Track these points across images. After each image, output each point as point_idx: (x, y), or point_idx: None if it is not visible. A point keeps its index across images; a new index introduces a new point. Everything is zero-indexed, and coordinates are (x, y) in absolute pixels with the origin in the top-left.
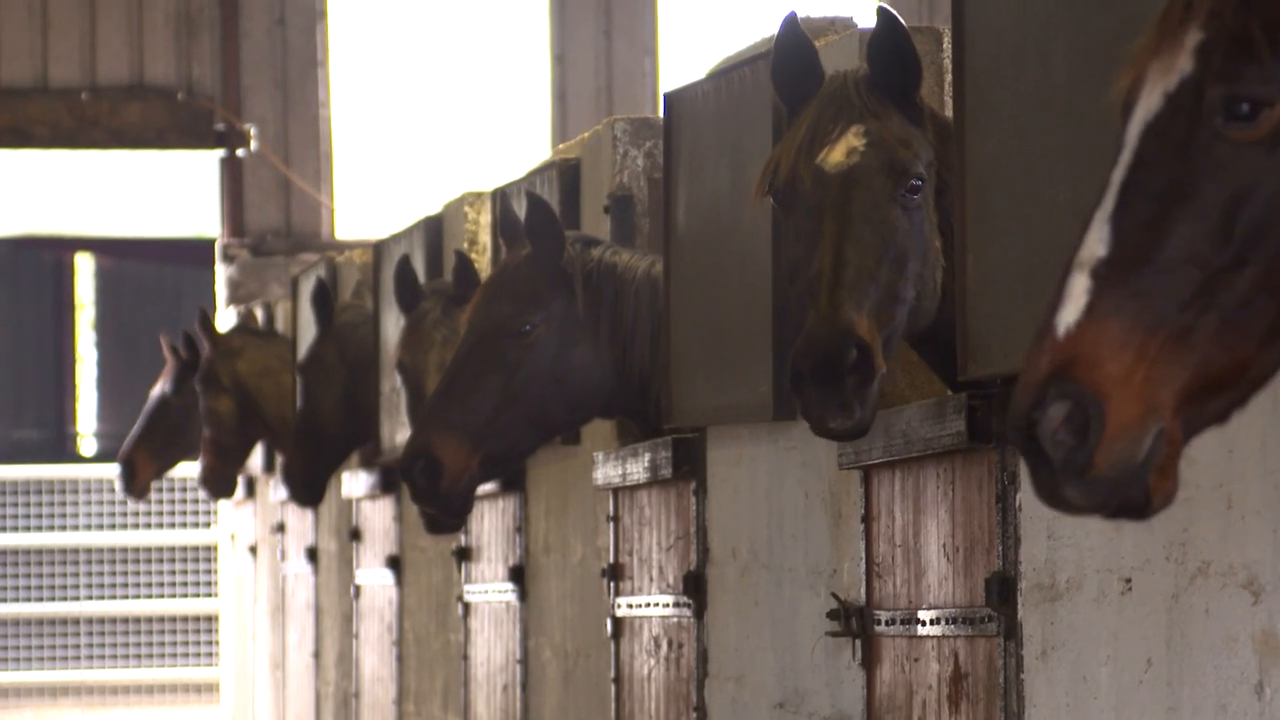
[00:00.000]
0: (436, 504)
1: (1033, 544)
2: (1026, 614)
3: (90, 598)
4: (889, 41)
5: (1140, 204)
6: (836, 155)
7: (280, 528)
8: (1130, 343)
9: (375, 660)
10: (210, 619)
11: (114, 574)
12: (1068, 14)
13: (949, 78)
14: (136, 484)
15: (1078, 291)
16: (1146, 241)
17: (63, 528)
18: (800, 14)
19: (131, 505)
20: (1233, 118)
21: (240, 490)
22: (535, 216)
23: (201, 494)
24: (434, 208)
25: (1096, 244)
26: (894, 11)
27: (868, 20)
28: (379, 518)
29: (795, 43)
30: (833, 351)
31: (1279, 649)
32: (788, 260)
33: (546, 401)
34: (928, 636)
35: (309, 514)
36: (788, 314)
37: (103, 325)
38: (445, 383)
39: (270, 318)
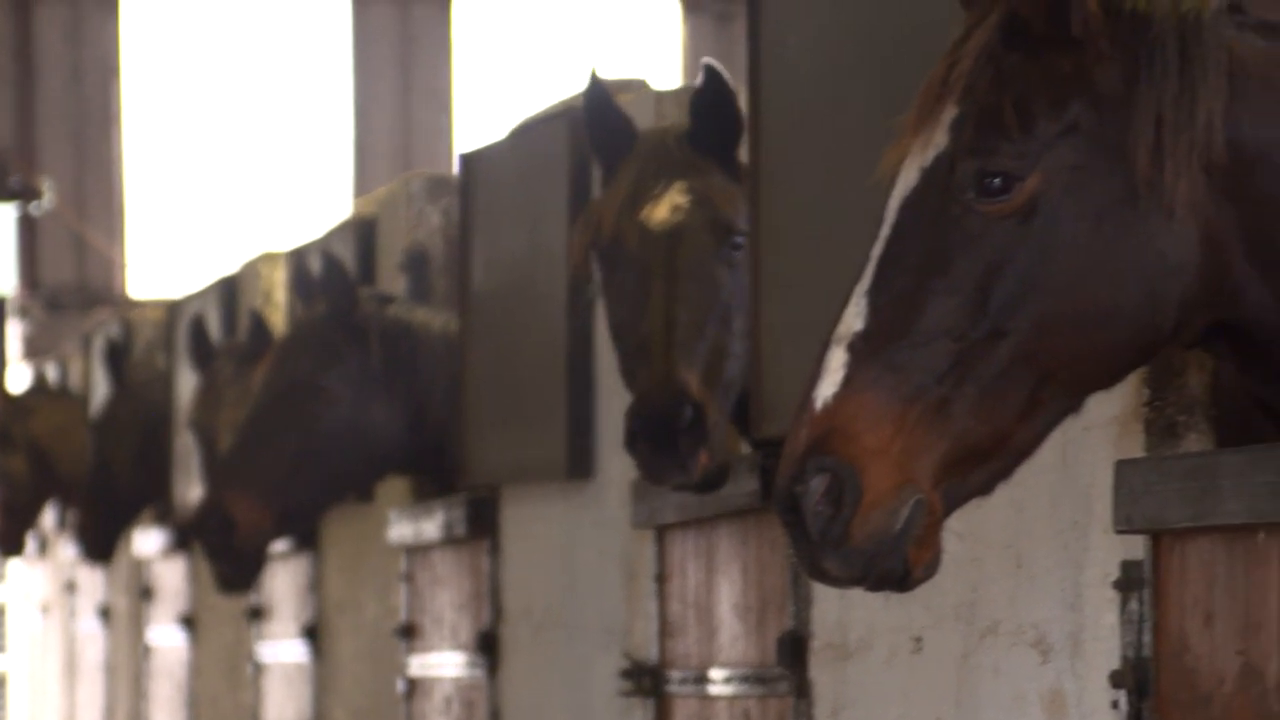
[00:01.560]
0: (230, 561)
1: (824, 603)
2: (817, 673)
3: None
4: (714, 98)
5: (896, 278)
6: (661, 212)
7: (71, 586)
8: (887, 415)
9: None
10: (0, 679)
11: None
12: (862, 74)
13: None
14: None
15: (835, 365)
16: (902, 315)
17: None
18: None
19: None
20: (984, 191)
21: (31, 548)
22: (328, 274)
23: None
24: (231, 266)
25: (854, 318)
26: (721, 68)
27: (661, 82)
28: (171, 576)
29: (601, 102)
30: (668, 413)
31: (1066, 708)
32: (612, 318)
33: (341, 457)
34: (719, 696)
35: (100, 572)
36: (582, 373)
37: None
38: (240, 439)
39: (64, 374)
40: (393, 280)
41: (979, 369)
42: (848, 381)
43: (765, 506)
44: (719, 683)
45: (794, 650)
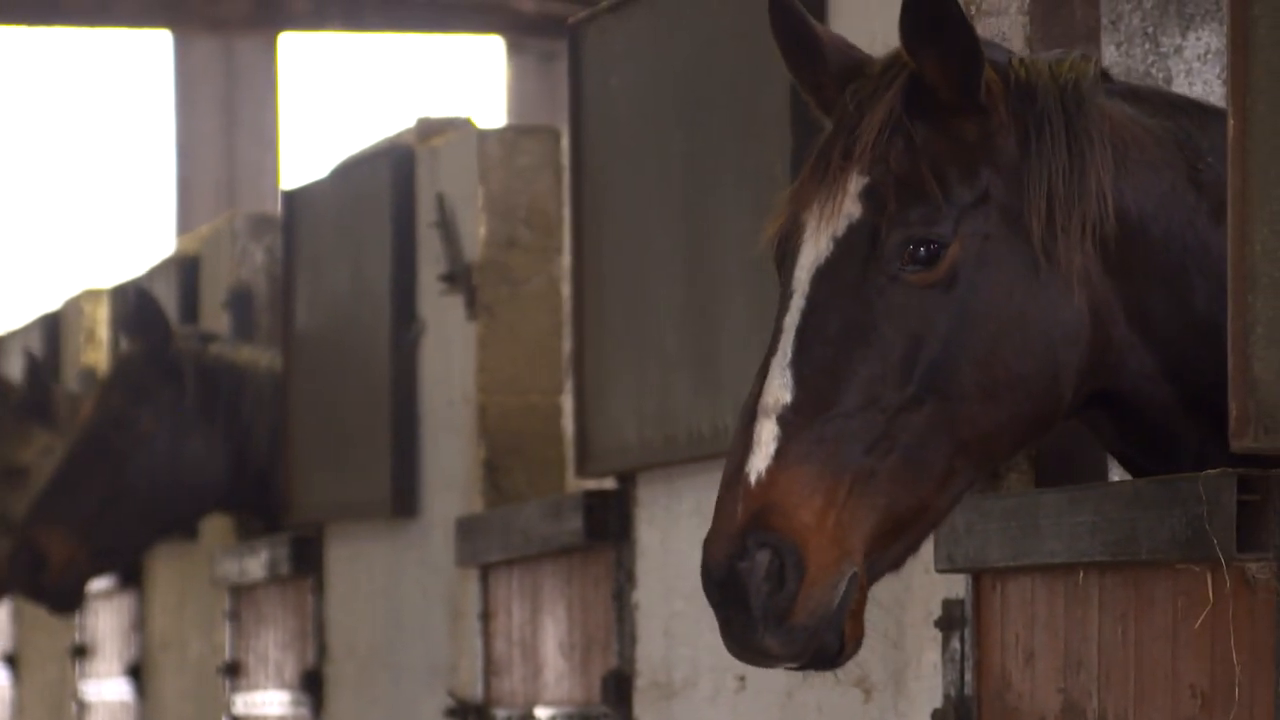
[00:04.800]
0: (41, 598)
1: (649, 642)
2: (642, 711)
3: None
4: None
5: (818, 349)
6: None
7: None
8: (820, 488)
9: None
10: None
11: None
12: (683, 119)
13: (566, 177)
14: None
15: (766, 438)
16: (829, 386)
17: None
18: (420, 115)
19: None
20: (911, 260)
21: None
22: (140, 310)
23: None
24: (53, 303)
25: (780, 390)
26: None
27: (485, 121)
28: None
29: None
30: None
31: None
32: None
33: (158, 494)
34: None
35: None
36: (406, 411)
37: None
38: (55, 475)
39: None
40: (216, 318)
41: (904, 439)
42: (779, 455)
43: (590, 545)
44: None
45: (619, 688)
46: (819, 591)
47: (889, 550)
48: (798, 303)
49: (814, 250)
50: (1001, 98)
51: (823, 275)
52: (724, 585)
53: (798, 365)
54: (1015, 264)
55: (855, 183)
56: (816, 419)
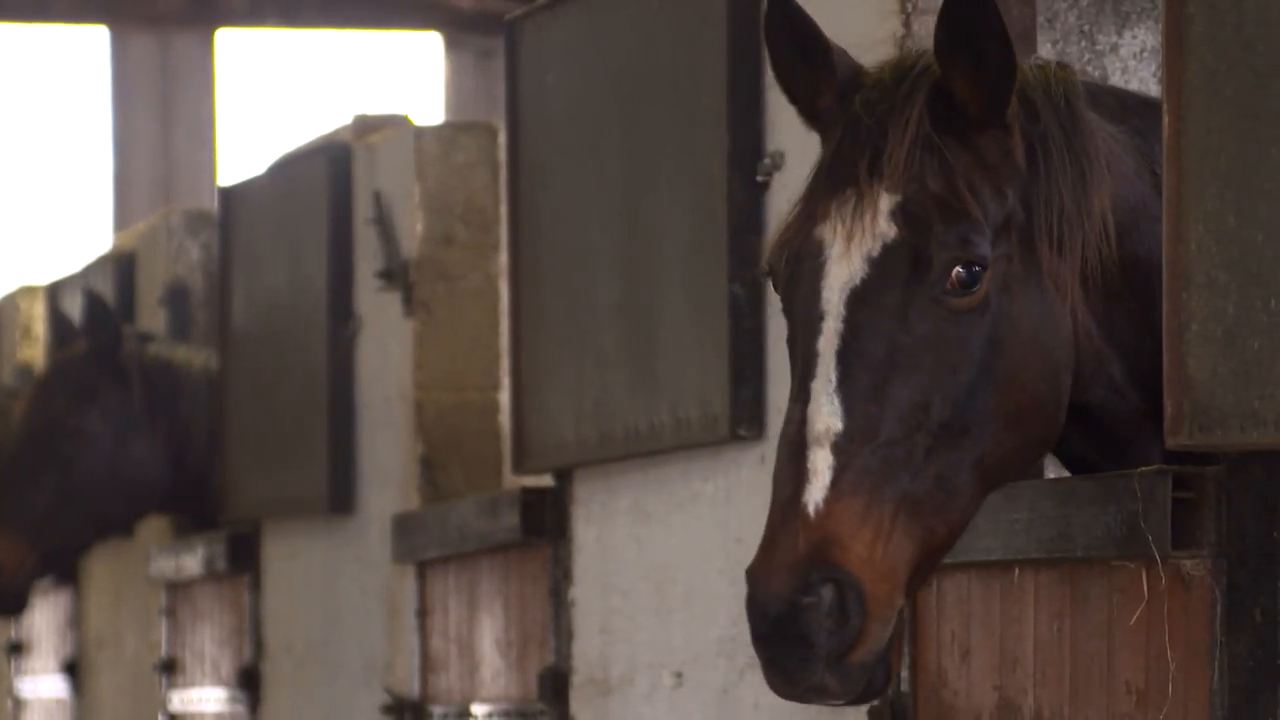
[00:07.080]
0: None
1: (585, 639)
2: (579, 708)
3: None
4: None
5: (864, 375)
6: None
7: None
8: (870, 520)
9: None
10: None
11: None
12: (620, 116)
13: (504, 174)
14: None
15: (822, 468)
16: (875, 413)
17: None
18: (357, 112)
19: None
20: (957, 284)
21: None
22: (91, 312)
23: None
24: None
25: (831, 417)
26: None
27: (423, 118)
28: None
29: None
30: None
31: None
32: None
33: (104, 496)
34: None
35: None
36: (343, 407)
37: None
38: (0, 479)
39: None
40: (153, 315)
41: (937, 467)
42: (834, 485)
43: (527, 541)
44: (481, 718)
45: (555, 685)
46: (877, 627)
47: (916, 578)
48: (833, 325)
49: (845, 270)
50: (1016, 114)
51: (859, 297)
52: (782, 621)
53: (845, 392)
54: (1029, 286)
55: (886, 201)
56: (866, 446)
